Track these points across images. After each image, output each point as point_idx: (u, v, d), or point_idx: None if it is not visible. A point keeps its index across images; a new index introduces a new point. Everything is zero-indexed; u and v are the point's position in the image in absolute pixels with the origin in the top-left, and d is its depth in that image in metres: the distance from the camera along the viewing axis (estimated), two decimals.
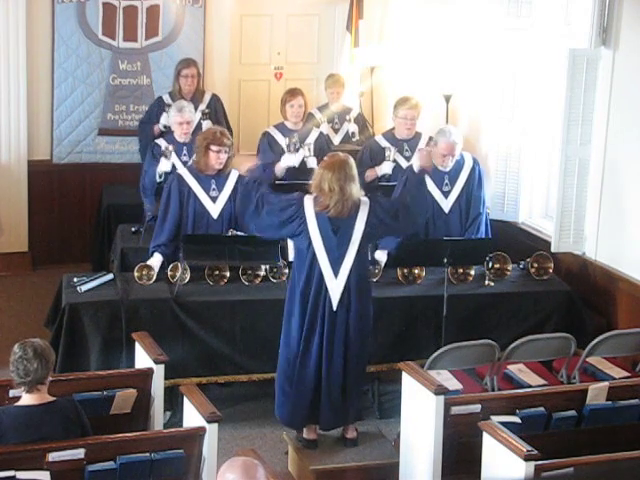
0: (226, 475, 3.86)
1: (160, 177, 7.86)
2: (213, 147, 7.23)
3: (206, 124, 8.74)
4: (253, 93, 10.44)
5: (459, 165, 7.67)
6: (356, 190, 6.25)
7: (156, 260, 7.15)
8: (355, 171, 6.29)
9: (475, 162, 7.76)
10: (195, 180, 7.32)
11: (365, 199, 6.32)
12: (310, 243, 6.24)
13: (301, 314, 6.29)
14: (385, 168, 8.07)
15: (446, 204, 7.64)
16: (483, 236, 7.64)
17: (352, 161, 6.34)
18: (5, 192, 9.47)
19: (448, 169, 7.61)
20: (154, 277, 7.05)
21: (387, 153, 8.08)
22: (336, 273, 6.25)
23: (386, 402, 7.23)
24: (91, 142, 9.81)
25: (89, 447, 4.96)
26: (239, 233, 7.25)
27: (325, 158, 6.42)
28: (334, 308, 6.26)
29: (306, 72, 10.41)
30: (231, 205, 7.34)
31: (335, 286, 6.25)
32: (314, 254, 6.25)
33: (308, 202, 6.26)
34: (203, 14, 9.88)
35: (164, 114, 8.61)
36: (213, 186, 7.34)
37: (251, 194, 6.32)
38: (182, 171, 7.43)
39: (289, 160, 8.18)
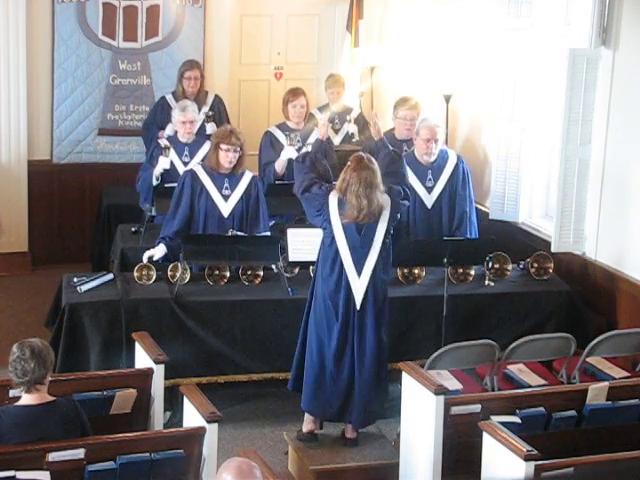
0: (223, 476, 3.88)
1: (157, 179, 7.89)
2: (223, 146, 7.26)
3: (210, 127, 8.76)
4: (253, 93, 10.44)
5: (443, 160, 7.69)
6: (380, 194, 6.24)
7: (159, 250, 7.18)
8: (379, 177, 6.24)
9: (459, 159, 7.78)
10: (209, 177, 7.35)
11: (387, 197, 6.31)
12: (333, 239, 6.26)
13: (327, 314, 6.30)
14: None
15: (429, 199, 7.65)
16: (470, 236, 7.64)
17: (377, 167, 6.27)
18: (5, 192, 9.47)
19: (432, 159, 7.61)
20: (154, 277, 7.05)
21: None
22: (359, 272, 6.27)
23: (386, 402, 7.21)
24: (91, 142, 9.82)
25: (89, 447, 4.96)
26: (239, 233, 7.26)
27: (350, 162, 6.29)
28: (357, 307, 6.27)
29: (306, 72, 10.41)
30: (243, 204, 7.37)
31: (359, 285, 6.27)
32: (337, 252, 6.26)
33: (333, 202, 6.26)
34: (203, 14, 9.88)
35: (170, 125, 8.54)
36: (226, 185, 7.37)
37: (303, 171, 6.43)
38: (196, 168, 7.46)
39: (289, 152, 8.20)
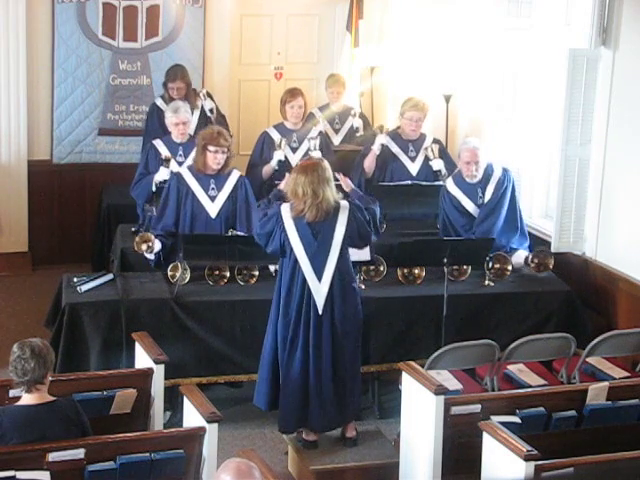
0: (222, 476, 3.89)
1: (156, 186, 7.88)
2: (210, 147, 7.23)
3: (208, 103, 8.86)
4: (253, 93, 10.44)
5: (488, 175, 7.65)
6: (331, 193, 6.22)
7: (156, 244, 7.15)
8: (330, 174, 6.24)
9: (503, 173, 7.68)
10: (194, 179, 7.33)
11: (345, 203, 6.30)
12: (292, 250, 6.24)
13: (285, 319, 6.30)
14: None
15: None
16: (523, 244, 7.65)
17: (326, 164, 6.29)
18: (5, 192, 9.48)
19: (476, 181, 7.61)
20: (156, 248, 7.05)
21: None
22: (319, 277, 6.26)
23: (386, 402, 7.23)
24: (91, 142, 9.82)
25: (89, 447, 4.96)
26: (239, 233, 7.26)
27: (298, 163, 6.37)
28: (320, 312, 6.26)
29: (306, 72, 10.41)
30: (230, 205, 7.34)
31: (320, 290, 6.26)
32: (296, 260, 6.25)
33: (285, 210, 6.26)
34: (203, 14, 9.88)
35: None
36: (212, 185, 7.34)
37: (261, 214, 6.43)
38: (182, 170, 7.44)
39: (278, 156, 8.21)
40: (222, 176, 7.35)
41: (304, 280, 6.25)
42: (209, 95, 9.16)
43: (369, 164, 8.24)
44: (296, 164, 6.43)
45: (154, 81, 9.78)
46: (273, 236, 6.26)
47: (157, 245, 7.15)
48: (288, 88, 8.72)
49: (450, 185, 7.74)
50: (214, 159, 7.24)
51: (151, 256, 7.18)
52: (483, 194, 7.66)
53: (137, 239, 7.13)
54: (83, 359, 6.75)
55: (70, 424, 5.00)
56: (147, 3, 9.72)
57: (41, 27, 9.50)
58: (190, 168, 7.42)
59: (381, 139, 8.21)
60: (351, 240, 6.33)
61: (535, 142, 8.37)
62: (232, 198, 7.35)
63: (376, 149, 8.20)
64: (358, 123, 9.24)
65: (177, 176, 7.38)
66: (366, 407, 7.14)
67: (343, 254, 6.29)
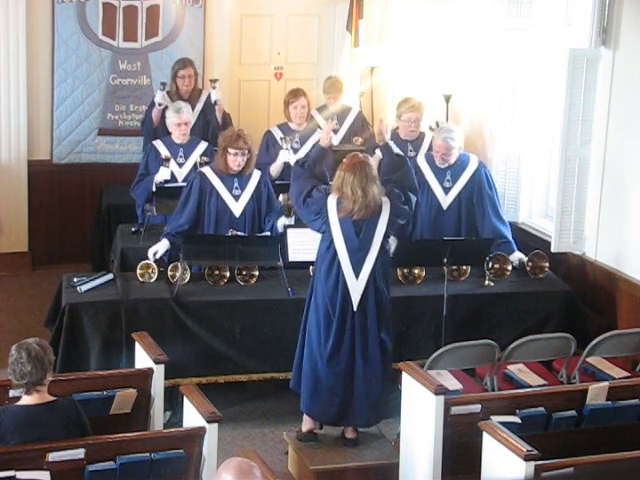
0: (222, 476, 3.89)
1: (156, 186, 7.89)
2: (230, 150, 7.27)
3: (215, 93, 8.88)
4: (253, 93, 10.44)
5: (463, 164, 7.68)
6: (378, 191, 6.25)
7: (162, 245, 7.17)
8: (375, 171, 6.30)
9: (480, 165, 7.72)
10: (218, 179, 7.36)
11: (386, 199, 6.33)
12: (332, 243, 6.27)
13: (325, 314, 6.31)
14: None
15: (445, 201, 7.65)
16: (508, 233, 7.65)
17: (372, 161, 6.34)
18: (5, 192, 9.47)
19: (446, 166, 7.62)
20: (155, 276, 7.06)
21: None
22: (357, 274, 6.27)
23: (386, 402, 7.21)
24: (91, 142, 9.82)
25: (89, 447, 4.96)
26: (239, 233, 7.27)
27: (345, 160, 6.37)
28: (354, 308, 6.28)
29: (306, 72, 10.41)
30: (253, 203, 7.40)
31: (356, 287, 6.27)
32: (335, 255, 6.27)
33: (331, 203, 6.27)
34: (203, 14, 9.88)
35: (159, 92, 8.60)
36: (236, 185, 7.39)
37: (304, 175, 6.43)
38: (206, 170, 7.46)
39: (284, 156, 8.20)
40: (245, 176, 7.40)
41: (341, 275, 6.26)
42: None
43: None
44: (344, 160, 6.36)
45: (154, 81, 9.77)
46: (316, 219, 6.29)
47: (163, 247, 7.15)
48: (291, 89, 8.71)
49: (421, 161, 7.73)
50: (234, 161, 7.28)
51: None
52: (452, 179, 7.65)
53: (139, 267, 7.10)
54: (83, 359, 6.75)
55: (70, 424, 5.00)
56: (147, 3, 9.71)
57: (41, 27, 9.50)
58: (213, 167, 7.44)
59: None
60: (393, 228, 6.38)
61: (535, 142, 8.37)
62: (255, 197, 7.40)
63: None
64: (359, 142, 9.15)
65: (200, 175, 7.40)
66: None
67: (383, 250, 6.32)
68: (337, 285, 6.28)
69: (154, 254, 7.14)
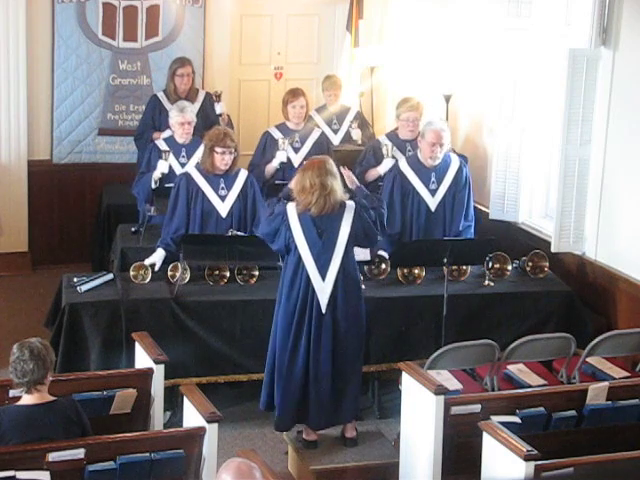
0: (222, 476, 3.90)
1: (155, 183, 7.89)
2: (217, 149, 7.25)
3: (219, 106, 8.90)
4: (253, 93, 10.44)
5: (445, 163, 7.67)
6: (339, 187, 6.26)
7: (158, 255, 7.17)
8: (336, 170, 6.30)
9: (462, 163, 7.74)
10: (204, 179, 7.34)
11: (351, 203, 6.34)
12: (296, 248, 6.26)
13: (288, 317, 6.32)
14: (385, 166, 8.04)
15: (433, 202, 7.62)
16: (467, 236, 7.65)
17: (332, 161, 6.35)
18: (5, 192, 9.47)
19: (436, 163, 7.59)
20: (149, 277, 7.06)
21: (384, 150, 8.06)
22: (323, 276, 6.27)
23: (386, 402, 7.23)
24: (91, 142, 9.82)
25: (89, 447, 4.96)
26: (239, 233, 7.27)
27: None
28: (323, 310, 6.27)
29: (306, 72, 10.41)
30: (240, 204, 7.38)
31: (323, 289, 6.27)
32: (300, 258, 6.27)
33: (291, 208, 6.29)
34: (203, 14, 9.88)
35: (167, 131, 8.50)
36: (222, 185, 7.37)
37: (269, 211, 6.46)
38: (191, 170, 7.45)
39: (281, 157, 8.20)
40: (231, 176, 7.38)
41: (307, 278, 6.26)
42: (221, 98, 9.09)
43: (371, 179, 8.16)
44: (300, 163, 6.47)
45: (154, 81, 9.78)
46: (278, 234, 6.29)
47: (159, 258, 7.15)
48: (290, 88, 8.71)
49: (403, 166, 7.71)
50: (222, 160, 7.26)
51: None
52: (437, 180, 7.63)
53: (132, 268, 7.09)
54: (83, 359, 6.76)
55: (70, 424, 5.00)
56: (147, 3, 9.71)
57: (41, 27, 9.49)
58: (198, 168, 7.42)
59: (388, 163, 8.03)
60: (357, 240, 6.36)
61: (535, 142, 8.36)
62: (242, 197, 7.38)
63: (381, 172, 8.10)
64: (357, 136, 9.16)
65: (186, 176, 7.39)
66: (366, 407, 7.14)
67: (348, 254, 6.32)
68: (306, 288, 6.27)
69: (152, 266, 7.14)
